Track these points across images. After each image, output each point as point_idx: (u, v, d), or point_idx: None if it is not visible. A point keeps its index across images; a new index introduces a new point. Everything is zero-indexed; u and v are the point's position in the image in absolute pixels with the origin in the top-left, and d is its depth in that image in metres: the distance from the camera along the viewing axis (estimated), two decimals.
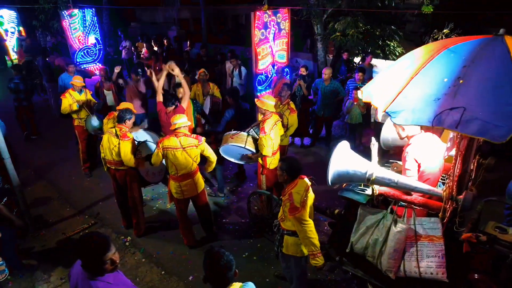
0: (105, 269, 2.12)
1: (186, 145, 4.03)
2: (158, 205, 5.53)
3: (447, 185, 2.54)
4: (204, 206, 4.49)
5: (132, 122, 4.40)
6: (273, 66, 7.68)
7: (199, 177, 4.30)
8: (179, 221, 4.54)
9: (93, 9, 12.58)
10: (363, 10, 8.24)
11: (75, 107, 5.87)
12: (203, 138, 4.17)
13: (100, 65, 13.16)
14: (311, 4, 9.12)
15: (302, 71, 6.87)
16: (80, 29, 12.32)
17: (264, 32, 7.08)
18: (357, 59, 9.42)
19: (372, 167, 2.73)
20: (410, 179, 2.74)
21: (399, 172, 3.07)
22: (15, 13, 17.18)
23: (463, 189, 2.53)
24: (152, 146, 4.74)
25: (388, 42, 8.69)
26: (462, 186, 2.54)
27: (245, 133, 4.53)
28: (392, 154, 3.63)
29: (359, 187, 3.02)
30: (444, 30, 7.10)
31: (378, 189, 2.87)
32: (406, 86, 2.17)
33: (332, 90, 6.63)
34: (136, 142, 4.54)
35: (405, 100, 2.14)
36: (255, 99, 4.58)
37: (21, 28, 17.33)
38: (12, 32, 17.12)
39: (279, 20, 7.35)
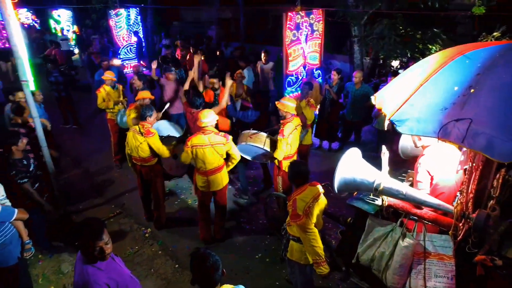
0: (95, 256, 2.21)
1: (214, 142, 4.10)
2: (180, 200, 5.67)
3: (458, 201, 2.36)
4: (223, 201, 4.57)
5: (154, 118, 4.54)
6: (304, 68, 7.60)
7: (225, 172, 4.40)
8: (199, 214, 4.64)
9: (138, 8, 13.21)
10: (404, 12, 7.88)
11: (110, 104, 6.19)
12: (230, 137, 4.23)
13: (141, 62, 13.79)
14: (348, 6, 8.88)
15: (334, 75, 6.71)
16: (124, 28, 13.00)
17: (296, 33, 7.02)
18: (395, 63, 9.03)
19: (380, 177, 2.61)
20: (419, 192, 2.58)
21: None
22: (71, 13, 18.44)
23: (480, 207, 2.34)
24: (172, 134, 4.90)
25: (430, 46, 8.23)
26: (479, 203, 2.35)
27: (264, 134, 4.52)
28: (411, 163, 3.44)
29: (370, 196, 2.90)
30: (494, 33, 6.60)
31: (387, 200, 2.74)
32: (413, 94, 2.04)
33: (363, 94, 6.41)
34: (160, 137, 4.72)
35: (411, 109, 2.02)
36: (276, 102, 4.54)
37: (75, 27, 18.58)
38: (67, 30, 18.42)
39: (312, 21, 7.24)
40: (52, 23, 18.84)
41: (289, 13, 6.72)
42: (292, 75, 7.39)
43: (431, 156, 2.72)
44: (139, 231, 4.99)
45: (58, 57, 12.11)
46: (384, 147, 2.78)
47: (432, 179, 2.72)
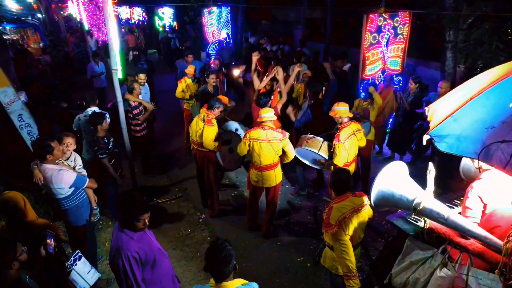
0: (136, 226, 2.53)
1: (271, 138, 4.20)
2: (237, 192, 5.89)
3: (509, 237, 2.02)
4: (275, 198, 4.64)
5: (219, 110, 4.80)
6: (382, 73, 7.17)
7: (279, 169, 4.47)
8: (248, 206, 4.81)
9: (229, 7, 13.93)
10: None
11: (187, 95, 6.70)
12: (287, 134, 4.29)
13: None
14: (445, 7, 8.06)
15: (411, 83, 6.23)
16: (215, 25, 13.84)
17: (377, 36, 6.66)
18: None
19: (422, 195, 2.37)
20: (464, 219, 2.27)
21: None
22: (173, 10, 20.28)
23: None
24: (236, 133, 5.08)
25: None
26: None
27: (321, 139, 4.44)
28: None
29: (412, 216, 2.65)
30: None
31: (429, 222, 2.47)
32: (460, 108, 1.82)
33: None
34: (222, 131, 4.98)
35: (454, 124, 1.80)
36: (330, 111, 4.41)
37: (175, 23, 20.39)
38: (168, 26, 20.32)
39: (396, 24, 6.79)
40: (156, 19, 20.96)
41: (370, 15, 6.40)
42: (369, 80, 7.03)
43: (488, 181, 2.36)
44: (194, 215, 5.34)
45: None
46: (431, 164, 2.51)
47: (485, 207, 2.37)
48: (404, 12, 6.86)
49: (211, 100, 4.82)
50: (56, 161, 3.51)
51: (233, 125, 5.53)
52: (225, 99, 5.78)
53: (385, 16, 6.60)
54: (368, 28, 6.49)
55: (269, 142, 4.20)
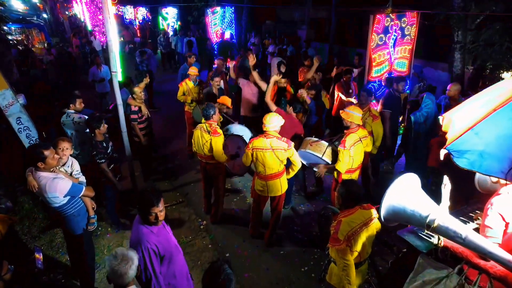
0: (149, 219, 2.54)
1: (276, 147, 4.00)
2: (239, 198, 5.74)
3: None
4: (279, 206, 4.47)
5: (217, 115, 4.65)
6: (389, 75, 6.98)
7: (285, 179, 4.28)
8: (251, 215, 4.65)
9: (233, 7, 13.79)
10: None
11: (189, 99, 6.56)
12: (292, 143, 4.09)
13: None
14: (453, 7, 7.86)
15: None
16: (219, 25, 13.71)
17: (384, 37, 6.48)
18: (506, 75, 7.70)
19: (436, 212, 2.20)
20: (485, 240, 2.09)
21: None
22: (177, 10, 20.19)
23: None
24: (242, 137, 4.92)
25: None
26: None
27: (325, 143, 4.28)
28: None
29: (425, 232, 2.48)
30: None
31: (444, 240, 2.30)
32: (482, 120, 1.65)
33: None
34: (226, 135, 4.84)
35: (475, 138, 1.63)
36: (340, 111, 4.23)
37: (179, 23, 20.30)
38: (172, 26, 20.24)
39: (403, 25, 6.60)
40: (160, 19, 20.90)
41: (377, 15, 6.21)
42: (375, 82, 6.86)
43: (509, 197, 2.18)
44: (195, 222, 5.20)
45: None
46: (446, 178, 2.33)
47: (507, 226, 2.19)
48: (411, 12, 6.67)
49: (204, 110, 4.60)
50: (52, 169, 3.38)
51: (237, 128, 5.39)
52: (227, 100, 5.64)
53: (392, 17, 6.42)
54: (374, 29, 6.31)
55: (273, 151, 4.02)
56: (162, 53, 16.29)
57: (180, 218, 5.30)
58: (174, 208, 5.52)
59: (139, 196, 2.58)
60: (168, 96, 10.81)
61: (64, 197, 3.37)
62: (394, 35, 6.58)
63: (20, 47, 16.93)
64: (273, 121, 4.04)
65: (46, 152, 3.24)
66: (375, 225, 2.82)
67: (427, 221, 2.19)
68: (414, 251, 2.57)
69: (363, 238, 2.70)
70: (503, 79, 7.66)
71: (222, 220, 5.12)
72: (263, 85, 5.94)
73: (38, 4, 30.37)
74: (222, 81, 7.02)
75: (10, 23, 20.57)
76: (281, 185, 4.26)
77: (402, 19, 6.55)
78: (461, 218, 2.50)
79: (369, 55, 6.50)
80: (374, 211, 2.81)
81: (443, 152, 1.79)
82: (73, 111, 5.02)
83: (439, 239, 2.33)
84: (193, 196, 5.78)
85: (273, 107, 5.01)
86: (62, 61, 13.46)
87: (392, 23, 6.44)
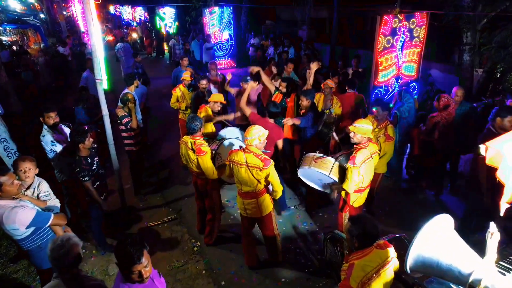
0: (132, 278, 2.09)
1: (251, 164, 3.57)
2: (236, 215, 5.29)
3: None
4: (269, 232, 4.01)
5: (202, 129, 4.23)
6: (397, 80, 6.56)
7: (265, 200, 3.80)
8: (241, 237, 4.21)
9: (231, 7, 13.34)
10: None
11: (183, 105, 6.13)
12: (271, 162, 3.61)
13: (229, 59, 13.93)
14: (462, 7, 7.43)
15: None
16: (216, 25, 13.26)
17: (391, 40, 6.05)
18: None
19: (481, 268, 1.76)
20: None
21: None
22: (174, 10, 19.78)
23: None
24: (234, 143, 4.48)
25: None
26: None
27: (332, 159, 3.83)
28: None
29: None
30: None
31: None
32: None
33: (461, 114, 5.09)
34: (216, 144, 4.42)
35: None
36: (349, 126, 3.77)
37: (176, 23, 19.88)
38: (169, 26, 19.83)
39: (412, 26, 6.16)
40: (157, 20, 20.50)
41: (385, 16, 5.77)
42: (381, 87, 6.42)
43: None
44: (189, 242, 4.76)
45: None
46: (493, 225, 1.88)
47: None
48: (421, 13, 6.23)
49: (187, 123, 4.12)
50: (13, 196, 2.91)
51: (229, 130, 4.96)
52: (219, 96, 5.22)
53: (401, 18, 5.99)
54: (382, 30, 5.88)
55: (248, 168, 3.58)
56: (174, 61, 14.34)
57: (172, 237, 4.86)
58: (166, 226, 5.08)
59: (116, 251, 2.12)
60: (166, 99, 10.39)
61: (26, 228, 2.90)
62: (402, 37, 6.15)
63: (15, 48, 16.51)
64: (252, 133, 3.60)
65: (2, 179, 2.78)
66: (393, 268, 2.37)
67: (469, 280, 1.76)
68: None
69: (379, 285, 2.25)
70: None
71: (217, 240, 4.68)
72: (271, 87, 5.73)
73: (35, 3, 29.90)
74: (211, 84, 6.63)
75: (5, 23, 20.13)
76: (260, 207, 3.78)
77: (411, 20, 6.12)
78: (503, 262, 2.06)
79: (376, 59, 6.07)
80: (391, 251, 2.36)
81: (504, 207, 1.36)
82: (47, 128, 4.49)
83: None
84: (187, 213, 5.35)
85: (247, 111, 4.80)
86: (55, 63, 13.02)
87: (400, 24, 6.01)
